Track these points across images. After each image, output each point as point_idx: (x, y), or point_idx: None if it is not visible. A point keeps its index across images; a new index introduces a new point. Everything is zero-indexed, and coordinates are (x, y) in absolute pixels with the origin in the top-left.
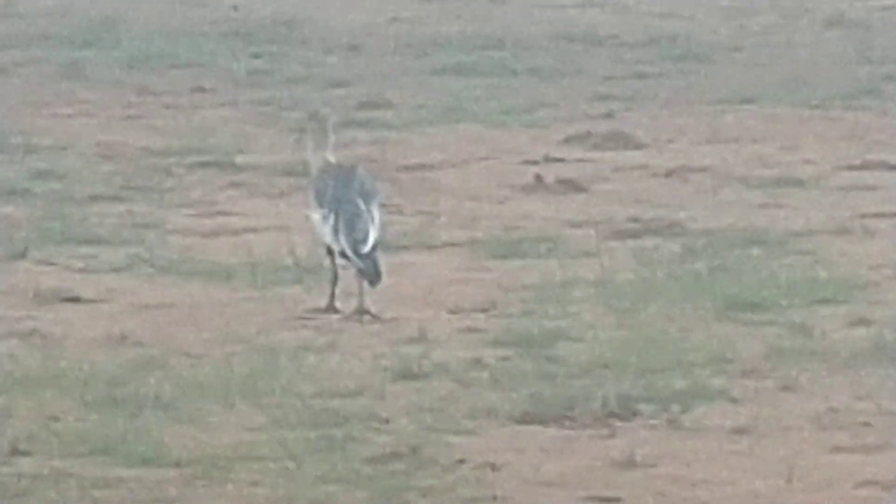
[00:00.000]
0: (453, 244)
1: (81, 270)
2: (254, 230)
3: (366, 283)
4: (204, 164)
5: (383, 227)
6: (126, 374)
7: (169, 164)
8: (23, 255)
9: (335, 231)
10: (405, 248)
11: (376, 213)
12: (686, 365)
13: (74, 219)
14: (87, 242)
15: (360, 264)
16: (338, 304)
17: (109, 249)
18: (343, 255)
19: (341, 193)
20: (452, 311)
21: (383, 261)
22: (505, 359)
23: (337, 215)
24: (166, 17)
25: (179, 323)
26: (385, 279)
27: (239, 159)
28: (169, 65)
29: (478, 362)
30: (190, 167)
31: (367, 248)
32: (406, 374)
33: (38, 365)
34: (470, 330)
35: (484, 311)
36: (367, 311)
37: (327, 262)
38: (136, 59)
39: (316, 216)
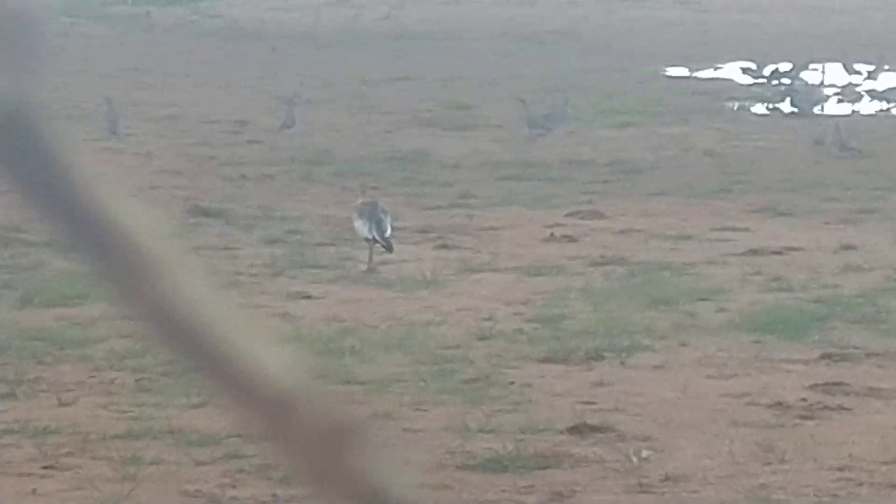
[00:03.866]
0: (507, 269)
1: None
2: None
3: (385, 252)
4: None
5: (394, 226)
6: None
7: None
8: None
9: (370, 229)
10: (479, 270)
11: (388, 220)
12: (628, 332)
13: None
14: None
15: (384, 244)
16: (373, 266)
17: None
18: (375, 240)
19: (371, 211)
20: (507, 304)
21: (395, 243)
22: (531, 326)
23: (370, 221)
24: None
25: None
26: (395, 251)
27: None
28: None
29: (520, 332)
30: None
31: (387, 235)
32: (482, 336)
33: None
34: (515, 314)
35: (522, 304)
36: (374, 269)
37: (366, 245)
38: None
39: (359, 223)
